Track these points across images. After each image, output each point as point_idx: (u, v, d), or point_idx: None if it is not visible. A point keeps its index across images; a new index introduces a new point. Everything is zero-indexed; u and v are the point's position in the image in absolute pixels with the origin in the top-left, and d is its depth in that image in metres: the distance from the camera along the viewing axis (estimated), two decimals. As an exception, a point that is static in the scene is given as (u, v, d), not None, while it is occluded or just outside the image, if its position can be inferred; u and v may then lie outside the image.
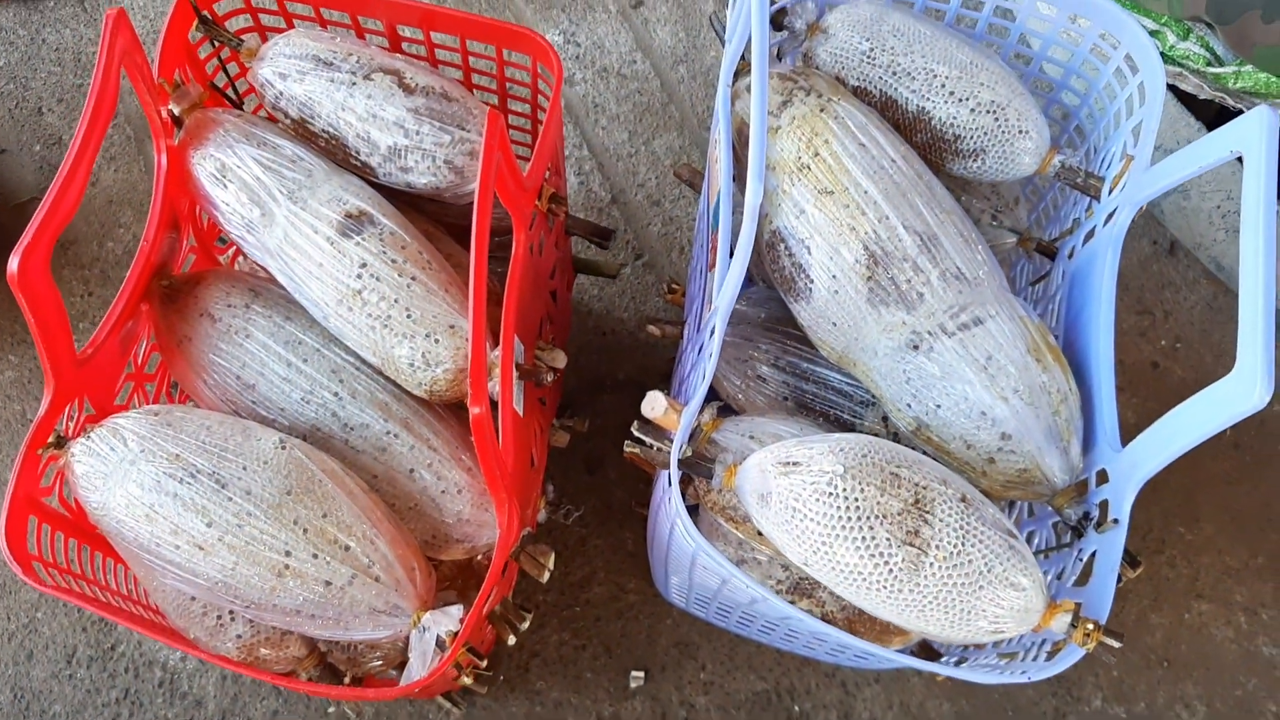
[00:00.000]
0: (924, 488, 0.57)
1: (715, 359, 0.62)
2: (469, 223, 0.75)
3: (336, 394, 0.67)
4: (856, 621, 0.68)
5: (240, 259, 0.85)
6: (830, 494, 0.56)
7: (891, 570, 0.55)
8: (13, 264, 0.56)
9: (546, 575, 0.66)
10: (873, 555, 0.55)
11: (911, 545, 0.55)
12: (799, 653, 0.89)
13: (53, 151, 1.06)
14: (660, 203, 1.06)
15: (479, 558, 0.73)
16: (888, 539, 0.55)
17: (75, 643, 0.91)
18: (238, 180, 0.68)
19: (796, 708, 0.89)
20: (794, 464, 0.57)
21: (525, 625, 0.66)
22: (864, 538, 0.55)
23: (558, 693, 0.89)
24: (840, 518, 0.55)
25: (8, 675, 0.89)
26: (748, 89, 0.73)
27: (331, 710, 0.88)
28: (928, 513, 0.56)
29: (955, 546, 0.55)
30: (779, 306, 0.78)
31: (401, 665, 0.70)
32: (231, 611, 0.66)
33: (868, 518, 0.55)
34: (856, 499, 0.55)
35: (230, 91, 0.81)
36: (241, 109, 0.82)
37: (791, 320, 0.76)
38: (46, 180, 1.05)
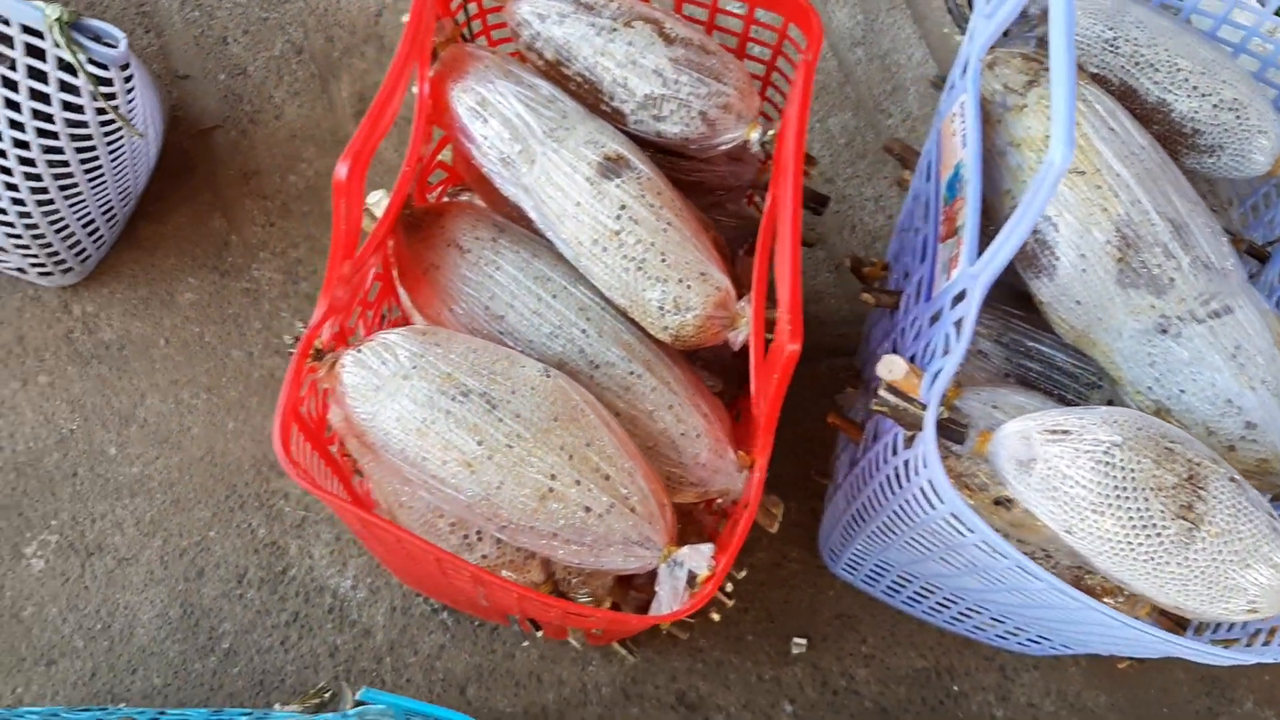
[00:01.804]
0: (1197, 464, 0.57)
1: (971, 325, 0.62)
2: (693, 179, 0.77)
3: (584, 330, 0.68)
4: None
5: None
6: (1107, 463, 0.56)
7: (1162, 543, 0.56)
8: (340, 170, 0.57)
9: (776, 526, 0.67)
10: (1145, 527, 0.56)
11: (1184, 519, 0.56)
12: (963, 633, 0.90)
13: (236, 81, 1.08)
14: (834, 180, 1.07)
15: (700, 505, 0.74)
16: (1161, 511, 0.56)
17: (247, 564, 0.92)
18: (498, 115, 0.69)
19: (955, 687, 0.90)
20: (1064, 432, 0.58)
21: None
22: (1137, 509, 0.56)
23: (719, 652, 0.90)
24: (1115, 487, 0.56)
25: (179, 591, 0.91)
26: (990, 66, 0.74)
27: (496, 651, 0.90)
28: (1201, 488, 0.57)
29: (1228, 523, 0.56)
30: (999, 283, 0.78)
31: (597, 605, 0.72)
32: (479, 532, 0.67)
33: (1142, 489, 0.56)
34: (1132, 470, 0.56)
35: (465, 31, 0.82)
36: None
37: (1014, 297, 0.77)
38: (229, 109, 1.07)
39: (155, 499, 0.93)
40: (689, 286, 0.67)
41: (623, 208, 0.67)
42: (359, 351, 0.63)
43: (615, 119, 0.73)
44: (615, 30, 0.71)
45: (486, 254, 0.70)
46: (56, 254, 0.92)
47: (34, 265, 0.93)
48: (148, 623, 0.90)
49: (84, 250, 0.95)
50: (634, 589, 0.76)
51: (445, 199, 0.86)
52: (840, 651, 0.91)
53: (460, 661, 0.90)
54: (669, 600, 0.61)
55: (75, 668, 0.88)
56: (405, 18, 0.65)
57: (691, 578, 0.62)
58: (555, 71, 0.73)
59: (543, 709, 0.88)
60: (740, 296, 0.68)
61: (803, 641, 0.91)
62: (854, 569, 0.89)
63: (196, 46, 1.09)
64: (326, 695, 0.77)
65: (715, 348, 0.70)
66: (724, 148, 0.73)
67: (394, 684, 0.89)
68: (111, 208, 0.94)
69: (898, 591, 0.88)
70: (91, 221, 0.92)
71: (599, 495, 0.61)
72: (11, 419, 0.94)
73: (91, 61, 0.72)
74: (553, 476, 0.61)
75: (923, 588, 0.85)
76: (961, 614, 0.86)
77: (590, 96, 0.73)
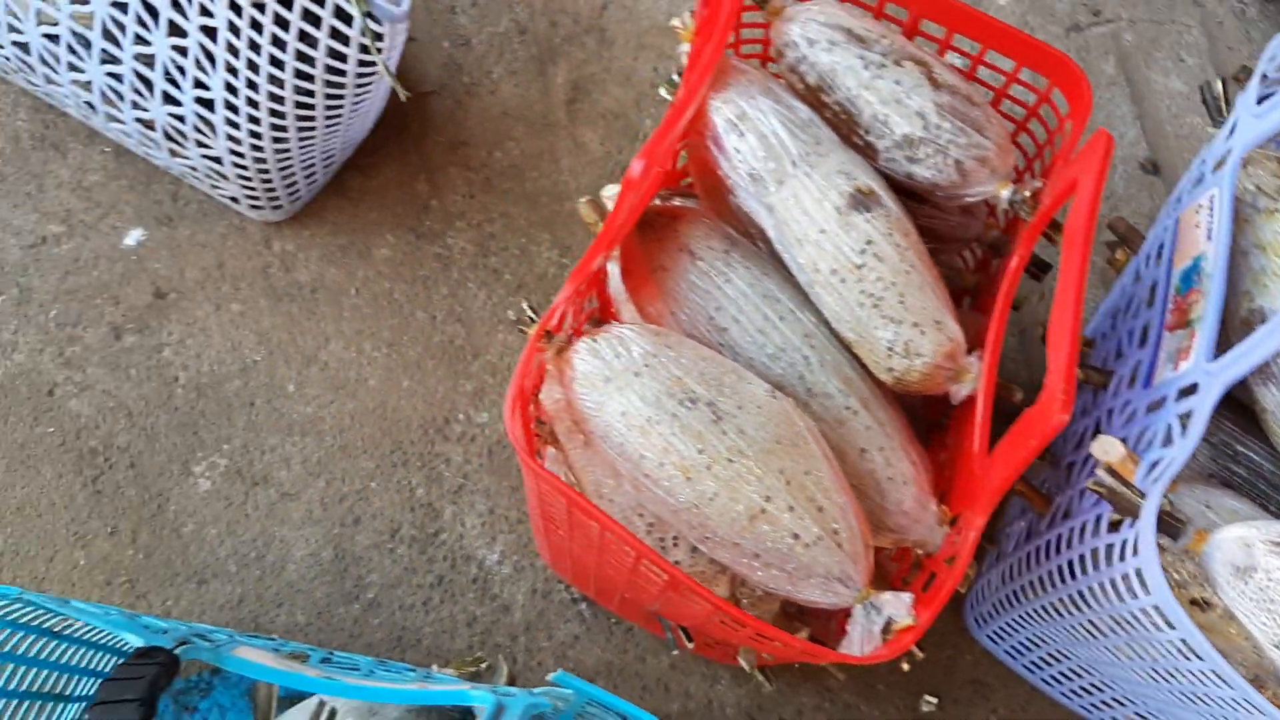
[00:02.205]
0: None
1: (1204, 421, 0.61)
2: (920, 224, 0.76)
3: (806, 357, 0.68)
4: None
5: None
6: (1344, 587, 0.55)
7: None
8: (635, 167, 0.58)
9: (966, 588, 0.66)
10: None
11: None
12: (1103, 723, 0.88)
13: (459, 51, 1.10)
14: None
15: (893, 553, 0.74)
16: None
17: (401, 520, 0.94)
18: (755, 131, 0.70)
19: (1084, 776, 0.88)
20: (1298, 546, 0.57)
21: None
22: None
23: (849, 696, 0.90)
24: (1349, 613, 0.54)
25: (334, 534, 0.93)
26: (1244, 165, 0.72)
27: (629, 651, 0.90)
28: None
29: None
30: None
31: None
32: (676, 538, 0.67)
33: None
34: (1371, 599, 0.55)
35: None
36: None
37: (1227, 398, 0.75)
38: (448, 77, 1.09)
39: (324, 441, 0.95)
40: (923, 332, 0.66)
41: (869, 242, 0.67)
42: (594, 340, 0.64)
43: (866, 153, 0.73)
44: (884, 67, 0.71)
45: (718, 265, 0.71)
46: (273, 191, 0.95)
47: (248, 197, 0.96)
48: (299, 560, 0.92)
49: (297, 191, 0.98)
50: (798, 619, 0.76)
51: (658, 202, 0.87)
52: (970, 717, 0.90)
53: (592, 655, 0.90)
54: (861, 642, 0.61)
55: (225, 591, 0.91)
56: (683, 17, 0.66)
57: (887, 624, 0.61)
58: (814, 97, 0.73)
59: (666, 717, 0.88)
60: (969, 350, 0.68)
61: (934, 700, 0.90)
62: (1000, 638, 0.88)
63: (426, 11, 1.11)
64: (482, 665, 0.78)
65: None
66: (969, 200, 0.73)
67: (525, 664, 0.90)
68: (333, 154, 0.96)
69: (1041, 668, 0.87)
70: (313, 165, 0.95)
71: (810, 525, 0.61)
72: (201, 340, 0.97)
73: (370, 15, 0.74)
74: (768, 498, 0.61)
75: (1071, 669, 0.83)
76: (1104, 703, 0.84)
77: (845, 127, 0.73)
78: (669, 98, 0.79)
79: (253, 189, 0.94)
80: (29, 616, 0.64)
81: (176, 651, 0.54)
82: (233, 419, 0.96)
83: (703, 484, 0.61)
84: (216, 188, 0.97)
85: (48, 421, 0.94)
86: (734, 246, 0.72)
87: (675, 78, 0.78)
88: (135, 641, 0.54)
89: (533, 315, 0.66)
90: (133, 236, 1.00)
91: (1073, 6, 1.15)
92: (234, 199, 0.97)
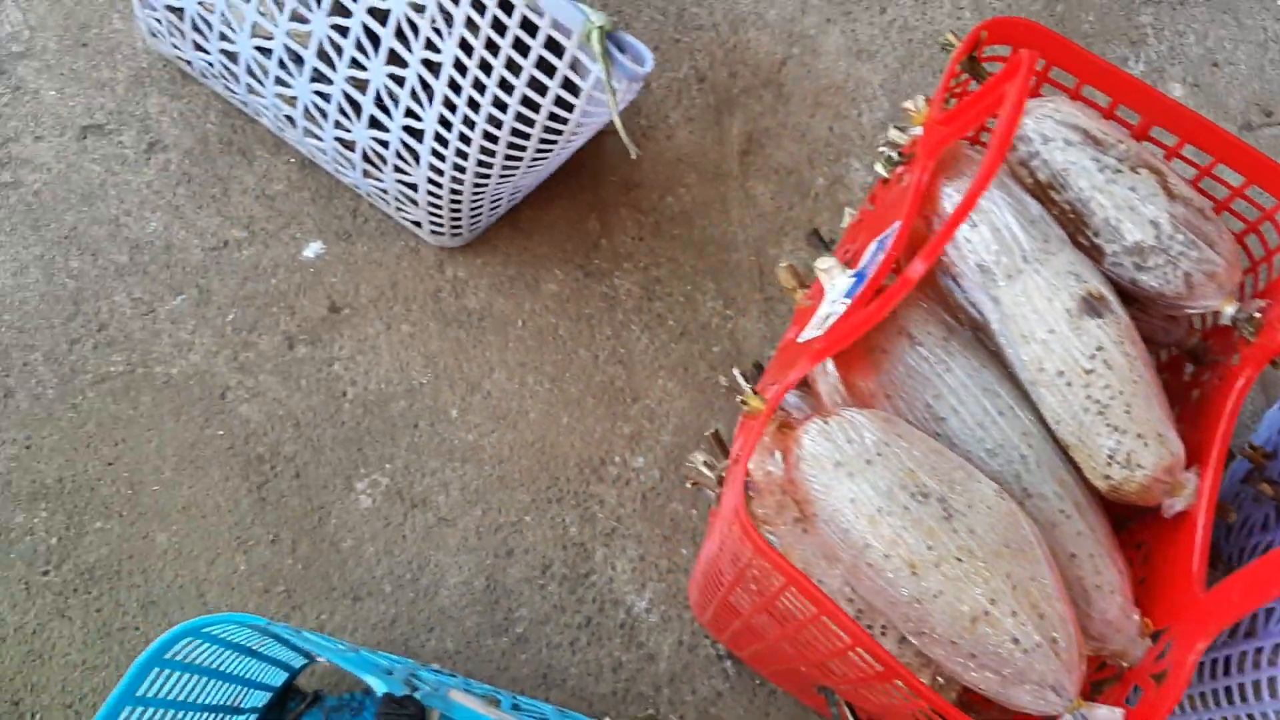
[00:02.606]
0: None
1: None
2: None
3: (1024, 456, 0.68)
4: None
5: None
6: None
7: None
8: (916, 268, 0.58)
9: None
10: None
11: None
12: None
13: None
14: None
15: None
16: None
17: (553, 557, 0.95)
18: (988, 223, 0.70)
19: None
20: None
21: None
22: None
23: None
24: None
25: (487, 564, 0.94)
26: None
27: (770, 715, 0.90)
28: None
29: None
30: None
31: None
32: (885, 628, 0.67)
33: None
34: None
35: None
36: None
37: None
38: (626, 118, 1.08)
39: (483, 470, 0.97)
40: (1146, 444, 0.66)
41: (1099, 348, 0.67)
42: (826, 423, 0.64)
43: (1092, 254, 0.73)
44: (1120, 172, 0.71)
45: (938, 352, 0.71)
46: (458, 220, 0.97)
47: (432, 224, 0.97)
48: (452, 587, 0.93)
49: (479, 221, 0.99)
50: (972, 711, 0.75)
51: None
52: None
53: (734, 714, 0.91)
54: (1072, 752, 0.61)
55: (379, 610, 0.92)
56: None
57: (1099, 738, 0.61)
58: (1043, 193, 0.73)
59: (806, 784, 0.89)
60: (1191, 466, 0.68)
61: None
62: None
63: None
64: (653, 722, 0.79)
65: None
66: (1190, 312, 0.72)
67: (666, 717, 0.90)
68: (521, 190, 0.98)
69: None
70: (500, 198, 0.96)
71: (1031, 631, 0.61)
72: (370, 358, 0.99)
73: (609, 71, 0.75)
74: (993, 601, 0.61)
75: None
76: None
77: (1072, 226, 0.73)
78: (884, 174, 0.79)
79: (439, 217, 0.96)
80: (254, 642, 0.66)
81: (417, 697, 0.55)
82: (396, 439, 0.97)
83: (929, 580, 0.61)
84: (401, 210, 0.98)
85: (218, 424, 0.96)
86: (952, 334, 0.72)
87: (894, 155, 0.78)
88: (380, 688, 0.55)
89: (749, 387, 0.67)
90: (312, 249, 1.02)
91: (1246, 105, 1.14)
92: (416, 223, 0.99)
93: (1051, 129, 0.73)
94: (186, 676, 0.65)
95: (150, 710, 0.62)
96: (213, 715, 0.73)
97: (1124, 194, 0.71)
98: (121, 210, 1.01)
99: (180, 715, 0.67)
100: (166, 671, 0.62)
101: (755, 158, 1.08)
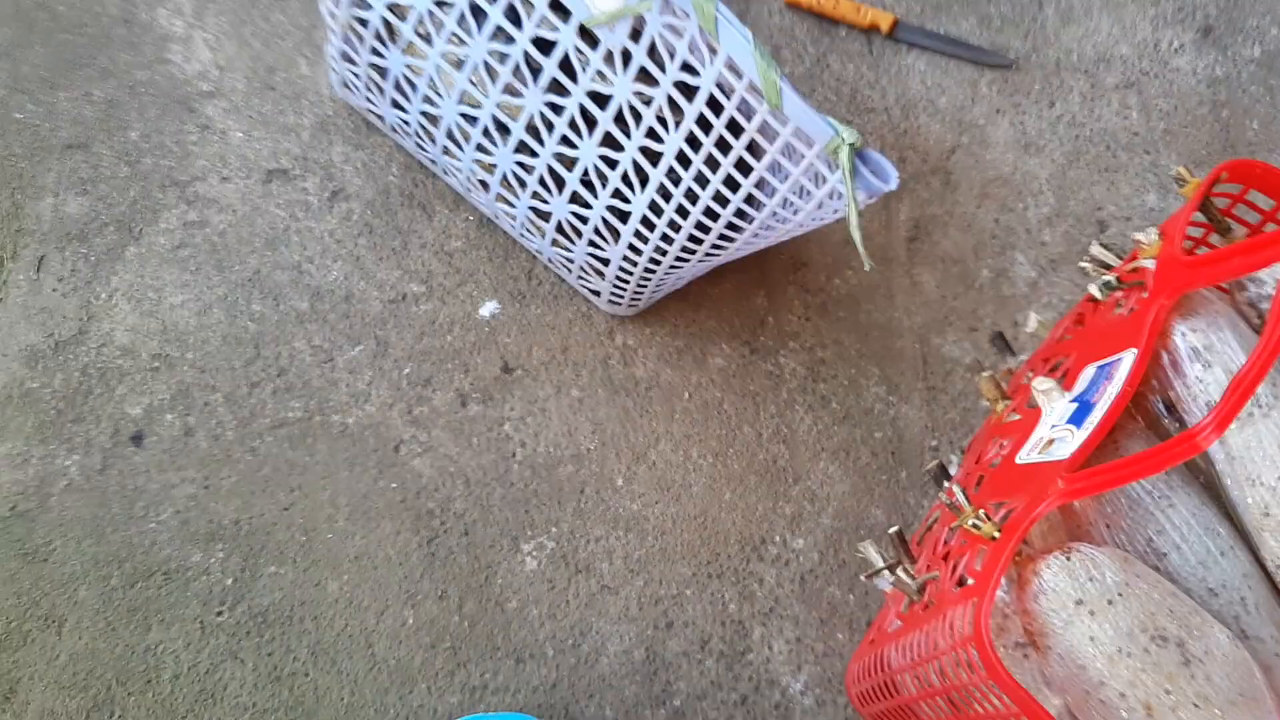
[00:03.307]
0: None
1: None
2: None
3: (1244, 599, 0.69)
4: None
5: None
6: None
7: None
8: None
9: None
10: None
11: None
12: None
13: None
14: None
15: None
16: None
17: (712, 633, 0.96)
18: (1222, 365, 0.71)
19: None
20: None
21: None
22: None
23: None
24: None
25: (647, 635, 0.95)
26: None
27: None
28: None
29: None
30: None
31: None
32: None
33: None
34: None
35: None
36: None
37: None
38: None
39: (646, 540, 0.98)
40: (1370, 597, 0.67)
41: (1332, 501, 0.68)
42: (1068, 559, 0.65)
43: (1316, 401, 0.73)
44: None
45: (1161, 486, 0.72)
46: (639, 295, 0.98)
47: (614, 297, 0.99)
48: (613, 655, 0.95)
49: (658, 295, 1.00)
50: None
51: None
52: None
53: (885, 802, 0.92)
54: None
55: (540, 673, 0.94)
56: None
57: None
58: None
59: None
60: None
61: None
62: None
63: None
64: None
65: None
66: None
67: (823, 802, 0.91)
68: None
69: None
70: (686, 278, 0.98)
71: (1260, 782, 0.62)
72: (540, 420, 1.01)
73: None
74: (1226, 749, 0.62)
75: None
76: None
77: (1298, 372, 0.74)
78: (1099, 296, 0.80)
79: (622, 292, 0.97)
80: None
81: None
82: (563, 503, 0.99)
83: (1164, 724, 0.62)
84: (583, 280, 1.00)
85: (391, 476, 0.98)
86: (1173, 470, 0.73)
87: (1113, 280, 0.79)
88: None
89: (981, 511, 0.68)
90: (487, 308, 1.04)
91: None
92: (596, 292, 1.01)
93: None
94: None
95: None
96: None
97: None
98: (304, 257, 1.04)
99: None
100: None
101: (922, 244, 1.10)
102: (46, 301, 1.01)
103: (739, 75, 0.76)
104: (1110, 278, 0.79)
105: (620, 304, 1.01)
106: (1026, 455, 0.74)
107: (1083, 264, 0.85)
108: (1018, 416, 0.82)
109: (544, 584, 0.96)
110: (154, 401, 0.99)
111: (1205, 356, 0.72)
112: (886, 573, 0.82)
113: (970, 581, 0.68)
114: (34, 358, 0.99)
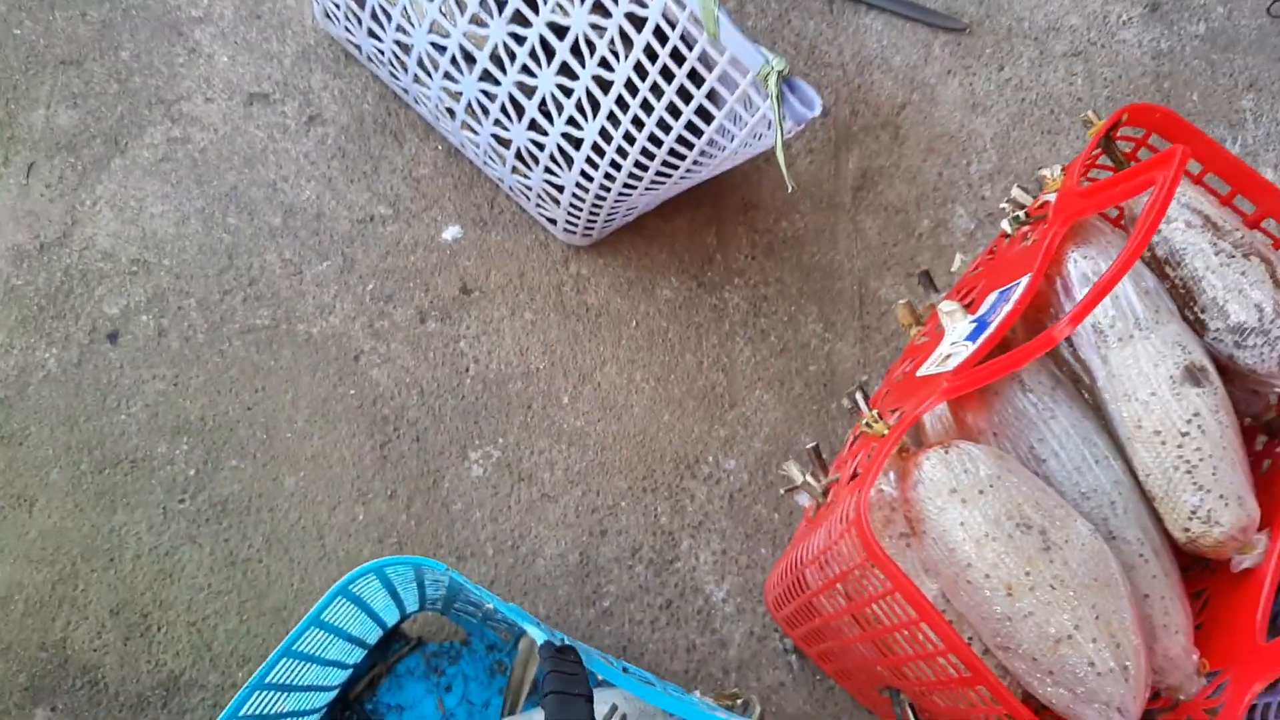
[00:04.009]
0: None
1: None
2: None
3: (1113, 503, 0.76)
4: None
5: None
6: None
7: None
8: (1062, 329, 0.65)
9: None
10: None
11: None
12: None
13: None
14: None
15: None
16: None
17: (643, 542, 1.02)
18: (1105, 291, 0.77)
19: None
20: None
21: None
22: None
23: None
24: None
25: (581, 541, 1.02)
26: None
27: (827, 708, 0.98)
28: None
29: None
30: None
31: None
32: (970, 639, 0.75)
33: None
34: None
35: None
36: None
37: None
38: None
39: (587, 454, 1.04)
40: (1226, 504, 0.73)
41: (1196, 414, 0.74)
42: (945, 452, 0.71)
43: (1195, 328, 0.80)
44: (1233, 257, 0.78)
45: (1045, 399, 0.78)
46: (593, 223, 1.04)
47: (568, 222, 1.05)
48: (549, 558, 1.01)
49: (611, 224, 1.07)
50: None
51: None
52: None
53: (793, 705, 0.98)
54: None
55: (480, 570, 1.00)
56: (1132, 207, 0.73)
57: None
58: (1159, 267, 0.80)
59: (858, 779, 0.96)
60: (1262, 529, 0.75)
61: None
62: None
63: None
64: (739, 701, 0.86)
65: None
66: (1277, 390, 0.79)
67: (747, 698, 0.97)
68: (653, 203, 1.05)
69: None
70: (636, 207, 1.04)
71: (1107, 657, 0.68)
72: (494, 339, 1.07)
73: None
74: (1076, 627, 0.68)
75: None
76: None
77: (1181, 301, 0.80)
78: (1009, 230, 0.86)
79: (576, 218, 1.03)
80: (403, 584, 0.74)
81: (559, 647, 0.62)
82: (510, 416, 1.05)
83: (1022, 602, 0.69)
84: (540, 207, 1.06)
85: (350, 383, 1.04)
86: (1059, 385, 0.79)
87: (1021, 215, 0.85)
88: (540, 637, 0.62)
89: (874, 412, 0.74)
90: (450, 232, 1.10)
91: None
92: (552, 220, 1.07)
93: (1175, 210, 0.80)
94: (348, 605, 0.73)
95: (320, 631, 0.70)
96: (344, 641, 0.81)
97: (1234, 277, 0.78)
98: (279, 176, 1.10)
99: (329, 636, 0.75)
100: (343, 601, 0.70)
101: (867, 193, 1.15)
102: (34, 205, 1.07)
103: (682, 6, 0.81)
104: (1020, 213, 0.85)
105: (575, 232, 1.07)
106: (926, 368, 0.80)
107: (1003, 205, 0.91)
108: (927, 339, 0.88)
109: (488, 489, 1.03)
110: (130, 303, 1.05)
111: (1094, 279, 0.78)
112: (803, 487, 0.88)
113: (859, 474, 0.74)
114: (20, 257, 1.05)
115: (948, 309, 0.82)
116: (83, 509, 0.98)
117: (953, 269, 0.98)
